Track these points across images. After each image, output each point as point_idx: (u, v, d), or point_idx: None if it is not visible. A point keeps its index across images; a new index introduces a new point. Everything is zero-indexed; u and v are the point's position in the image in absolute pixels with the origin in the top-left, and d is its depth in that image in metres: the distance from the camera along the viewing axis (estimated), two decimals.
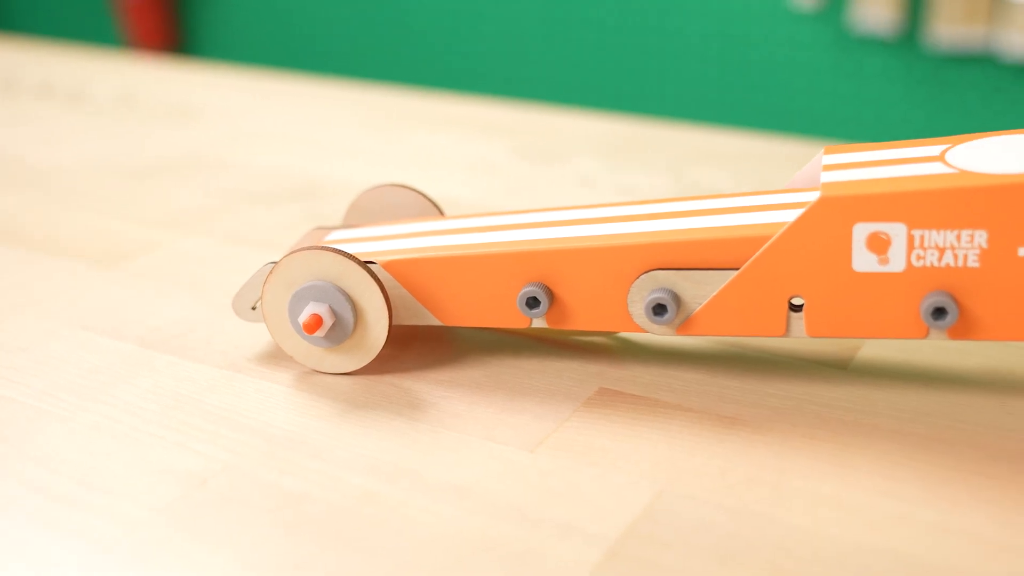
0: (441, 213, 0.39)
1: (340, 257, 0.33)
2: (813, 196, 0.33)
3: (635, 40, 1.54)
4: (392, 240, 0.36)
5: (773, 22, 1.41)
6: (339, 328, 0.34)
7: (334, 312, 0.34)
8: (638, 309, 0.32)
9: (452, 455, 0.30)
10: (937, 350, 0.35)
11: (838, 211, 0.30)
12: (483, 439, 0.31)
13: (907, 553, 0.26)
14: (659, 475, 0.29)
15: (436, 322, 0.35)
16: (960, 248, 0.30)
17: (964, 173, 0.30)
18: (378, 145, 0.60)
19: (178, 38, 2.06)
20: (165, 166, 0.56)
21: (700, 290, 0.32)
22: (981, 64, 1.29)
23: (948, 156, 0.31)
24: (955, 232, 0.30)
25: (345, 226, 0.39)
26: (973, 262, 0.30)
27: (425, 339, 0.37)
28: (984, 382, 0.33)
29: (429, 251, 0.34)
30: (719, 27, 1.45)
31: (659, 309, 0.32)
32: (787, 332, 0.32)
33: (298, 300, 0.34)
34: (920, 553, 0.26)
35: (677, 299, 0.32)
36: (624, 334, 0.37)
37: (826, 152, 0.34)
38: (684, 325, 0.32)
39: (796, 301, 0.32)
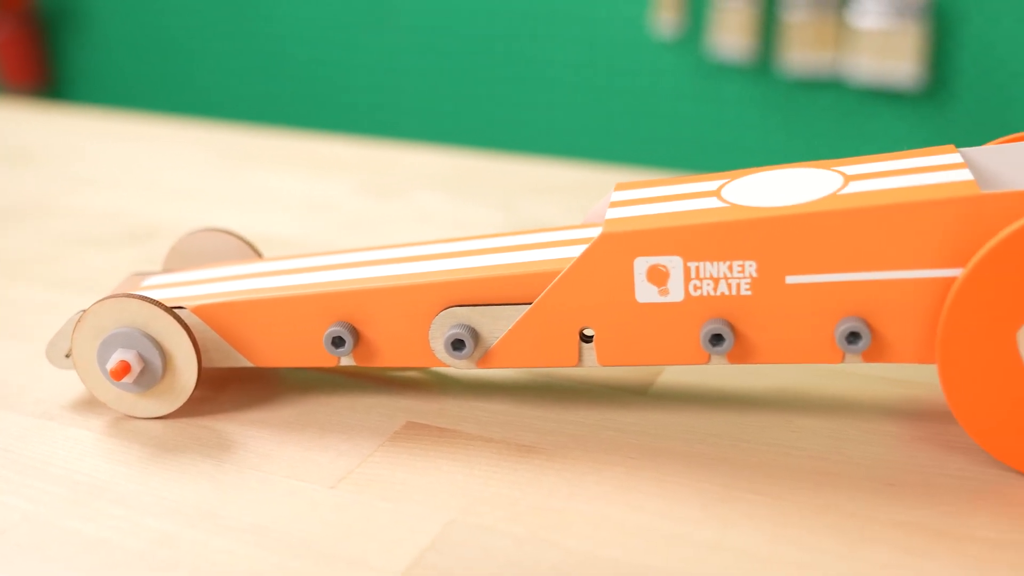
0: (259, 255, 0.40)
1: (146, 303, 0.34)
2: (597, 232, 0.34)
3: (491, 72, 1.56)
4: (204, 284, 0.37)
5: (632, 51, 1.45)
6: (148, 373, 0.34)
7: (142, 358, 0.34)
8: (439, 345, 0.34)
9: (253, 495, 0.31)
10: (734, 373, 0.37)
11: (619, 246, 0.32)
12: (286, 477, 0.32)
13: (682, 572, 0.27)
14: (452, 506, 0.30)
15: (248, 364, 0.35)
16: (732, 278, 0.31)
17: (735, 207, 0.32)
18: (220, 185, 0.60)
19: (50, 78, 2.03)
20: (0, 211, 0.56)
21: (496, 325, 0.33)
22: (830, 89, 1.34)
23: (724, 191, 0.33)
24: (727, 263, 0.31)
25: (164, 271, 0.40)
26: (745, 290, 0.31)
27: (241, 380, 0.38)
28: (773, 402, 0.35)
29: (237, 294, 0.35)
30: (578, 56, 1.48)
31: (458, 344, 0.33)
32: (580, 362, 0.33)
33: (106, 347, 0.34)
34: (694, 571, 0.27)
35: (475, 334, 0.33)
36: (437, 368, 0.38)
37: (616, 188, 0.35)
38: (483, 359, 0.34)
39: (587, 332, 0.34)
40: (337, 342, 0.34)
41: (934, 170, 0.32)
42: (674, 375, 0.37)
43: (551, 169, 0.61)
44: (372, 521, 0.30)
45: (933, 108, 1.31)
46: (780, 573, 0.27)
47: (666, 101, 1.45)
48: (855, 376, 0.37)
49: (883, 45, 1.26)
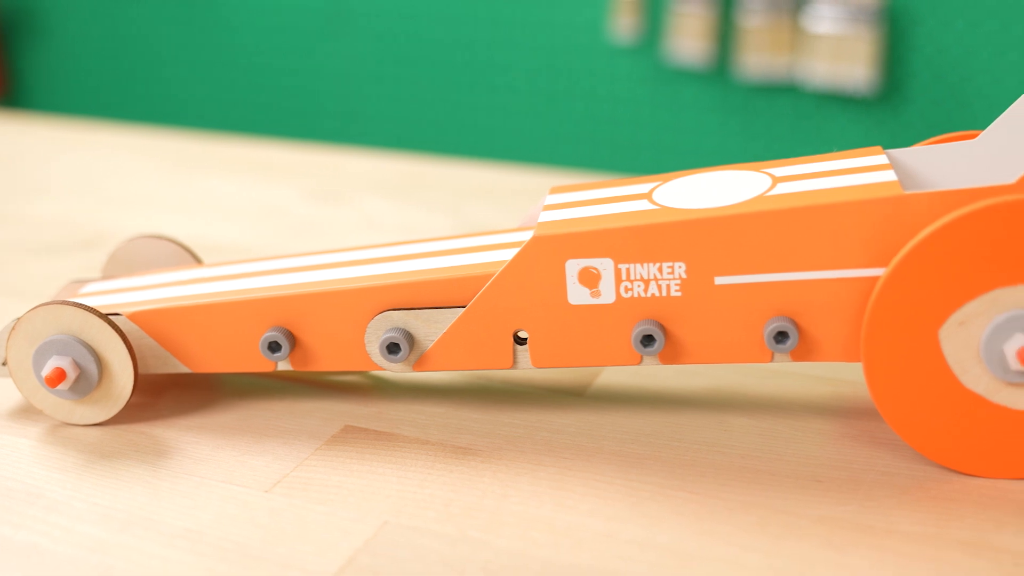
0: (199, 261, 0.40)
1: (80, 310, 0.34)
2: (529, 235, 0.35)
3: (448, 78, 1.57)
4: (141, 291, 0.37)
5: (590, 56, 1.45)
6: (84, 380, 0.34)
7: (77, 365, 0.34)
8: (374, 348, 0.34)
9: (188, 500, 0.31)
10: (672, 374, 0.37)
11: (550, 249, 0.32)
12: (221, 482, 0.32)
13: (609, 569, 0.28)
14: (386, 508, 0.30)
15: (185, 369, 0.35)
16: (663, 279, 0.32)
17: (664, 209, 0.32)
18: (169, 192, 0.60)
19: (6, 86, 2.01)
20: None
21: (431, 328, 0.33)
22: (787, 93, 1.35)
23: (655, 194, 0.33)
24: (657, 264, 0.32)
25: (103, 278, 0.40)
26: (675, 292, 0.32)
27: (180, 386, 0.38)
28: (708, 402, 0.36)
29: (173, 300, 0.35)
30: (536, 62, 1.49)
31: (393, 348, 0.33)
32: (514, 364, 0.33)
33: (41, 354, 0.34)
34: (621, 568, 0.28)
35: (410, 337, 0.33)
36: (376, 372, 0.38)
37: (551, 192, 0.36)
38: (419, 362, 0.34)
39: (521, 334, 0.34)
40: (273, 347, 0.34)
41: (860, 171, 0.32)
42: (612, 376, 0.37)
43: (502, 174, 0.62)
44: (306, 524, 0.30)
45: (887, 111, 1.32)
46: (706, 569, 0.28)
47: (624, 106, 1.45)
48: (788, 375, 0.37)
49: (838, 50, 1.27)
